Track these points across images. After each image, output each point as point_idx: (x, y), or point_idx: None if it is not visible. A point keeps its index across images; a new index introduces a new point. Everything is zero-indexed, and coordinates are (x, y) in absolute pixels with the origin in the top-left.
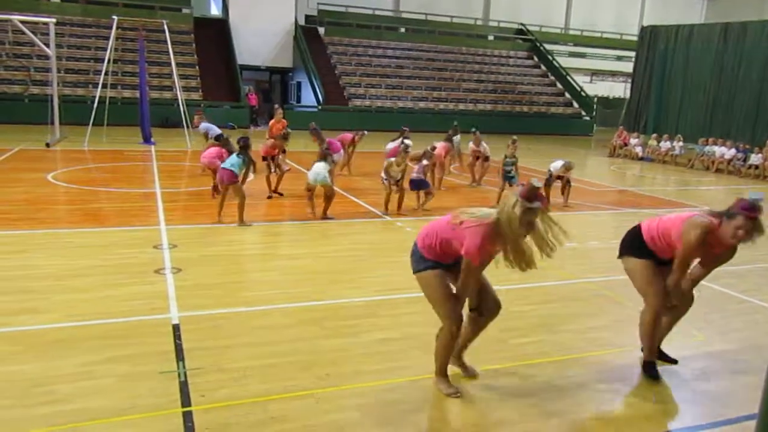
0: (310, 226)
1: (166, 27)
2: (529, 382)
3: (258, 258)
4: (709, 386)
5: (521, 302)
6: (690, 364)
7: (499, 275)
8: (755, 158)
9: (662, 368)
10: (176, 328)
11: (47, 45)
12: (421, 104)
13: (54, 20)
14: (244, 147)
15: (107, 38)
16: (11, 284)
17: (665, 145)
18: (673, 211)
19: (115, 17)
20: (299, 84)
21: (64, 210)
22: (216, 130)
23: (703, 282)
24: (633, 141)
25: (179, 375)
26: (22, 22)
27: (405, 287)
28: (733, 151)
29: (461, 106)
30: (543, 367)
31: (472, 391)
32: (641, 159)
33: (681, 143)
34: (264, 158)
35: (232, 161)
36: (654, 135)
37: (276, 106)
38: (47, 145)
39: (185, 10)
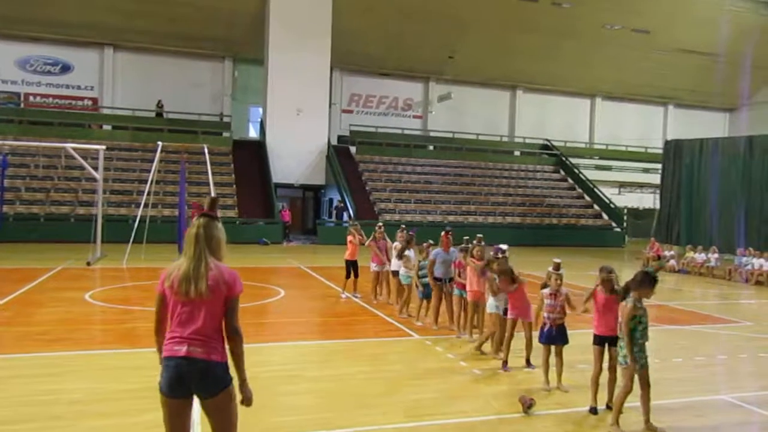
0: (335, 346)
1: (206, 150)
2: None
3: (283, 380)
4: None
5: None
6: None
7: None
8: None
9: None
10: None
11: (96, 169)
12: (450, 218)
13: (104, 147)
14: None
15: (152, 161)
16: (39, 410)
17: (701, 256)
18: (715, 326)
19: (160, 143)
20: (331, 200)
21: (98, 330)
22: None
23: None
24: (667, 254)
25: None
26: (75, 149)
27: (435, 413)
28: None
29: (490, 219)
30: None
31: None
32: (677, 271)
33: (716, 255)
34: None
35: None
36: (688, 246)
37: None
38: (88, 263)
39: (225, 134)
